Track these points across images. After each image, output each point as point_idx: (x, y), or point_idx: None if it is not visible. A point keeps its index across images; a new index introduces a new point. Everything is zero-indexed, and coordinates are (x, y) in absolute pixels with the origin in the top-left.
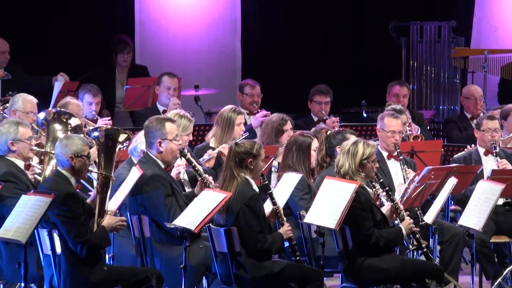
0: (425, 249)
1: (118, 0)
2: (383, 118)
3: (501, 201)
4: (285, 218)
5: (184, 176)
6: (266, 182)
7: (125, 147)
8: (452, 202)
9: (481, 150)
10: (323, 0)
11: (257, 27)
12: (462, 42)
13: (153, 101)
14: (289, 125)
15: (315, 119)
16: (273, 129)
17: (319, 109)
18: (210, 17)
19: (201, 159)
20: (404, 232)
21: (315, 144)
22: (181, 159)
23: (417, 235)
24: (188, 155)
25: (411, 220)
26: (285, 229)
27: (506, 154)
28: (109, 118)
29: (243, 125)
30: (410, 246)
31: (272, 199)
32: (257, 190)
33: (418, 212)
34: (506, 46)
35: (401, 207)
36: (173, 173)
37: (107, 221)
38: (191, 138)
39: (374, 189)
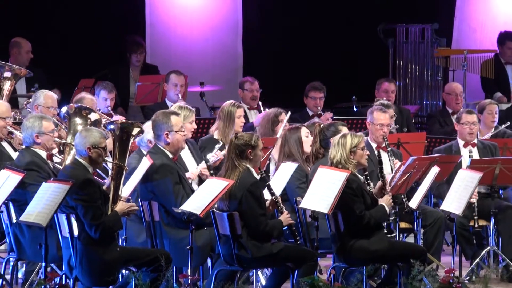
0: (390, 222)
1: (130, 5)
2: (372, 112)
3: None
4: (283, 206)
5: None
6: (264, 175)
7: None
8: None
9: (461, 142)
10: (317, 6)
11: (257, 30)
12: (444, 43)
13: (162, 97)
14: (283, 116)
15: (310, 113)
16: (269, 120)
17: (314, 104)
18: (214, 20)
19: (210, 160)
20: (386, 208)
21: (304, 131)
22: (196, 168)
23: (393, 212)
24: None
25: (390, 196)
26: (285, 216)
27: (483, 145)
28: (123, 118)
29: (243, 118)
30: None
31: (270, 190)
32: (257, 177)
33: (404, 199)
34: (484, 46)
35: (387, 187)
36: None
37: (120, 206)
38: (195, 127)
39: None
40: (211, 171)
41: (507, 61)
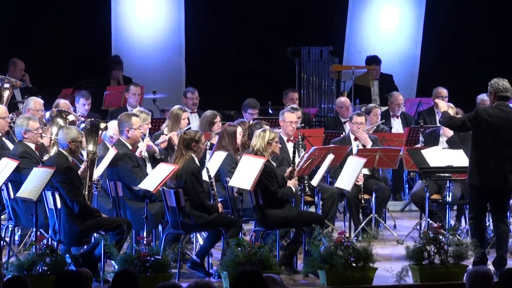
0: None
1: (100, 36)
2: (284, 113)
3: (365, 171)
4: (215, 190)
5: (144, 154)
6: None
7: (101, 135)
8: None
9: (352, 137)
10: (241, 34)
11: (196, 51)
12: (337, 61)
13: (124, 103)
14: (218, 118)
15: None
16: (207, 121)
17: (250, 118)
18: (163, 44)
19: (157, 141)
20: (293, 189)
21: (239, 130)
22: (143, 141)
23: (299, 189)
24: (148, 139)
25: (297, 180)
26: (220, 205)
27: (370, 138)
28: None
29: (187, 119)
30: None
31: (208, 172)
32: (199, 165)
33: (306, 178)
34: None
35: (296, 172)
36: (137, 152)
37: None
38: (150, 127)
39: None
40: (160, 157)
41: (373, 77)
